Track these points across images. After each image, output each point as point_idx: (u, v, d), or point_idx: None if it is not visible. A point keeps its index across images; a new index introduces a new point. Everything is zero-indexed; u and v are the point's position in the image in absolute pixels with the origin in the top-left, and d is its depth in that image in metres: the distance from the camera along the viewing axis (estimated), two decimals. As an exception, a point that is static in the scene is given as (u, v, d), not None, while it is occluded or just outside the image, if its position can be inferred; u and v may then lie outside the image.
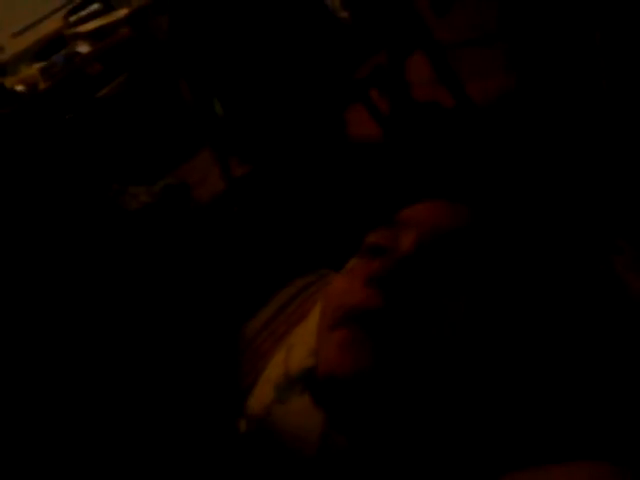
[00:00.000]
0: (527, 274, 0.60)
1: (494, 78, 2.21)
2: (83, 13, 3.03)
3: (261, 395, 0.81)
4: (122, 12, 2.94)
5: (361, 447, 0.56)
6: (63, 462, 0.98)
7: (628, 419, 0.54)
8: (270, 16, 1.94)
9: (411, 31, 2.04)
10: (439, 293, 0.55)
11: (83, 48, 2.86)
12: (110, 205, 2.28)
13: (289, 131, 2.00)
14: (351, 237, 0.67)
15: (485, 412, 0.54)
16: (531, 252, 0.62)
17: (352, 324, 0.54)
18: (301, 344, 0.83)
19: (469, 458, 0.52)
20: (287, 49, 1.93)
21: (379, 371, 0.52)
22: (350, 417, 0.56)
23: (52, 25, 3.06)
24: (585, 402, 0.54)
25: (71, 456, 0.98)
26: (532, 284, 0.59)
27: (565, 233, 0.72)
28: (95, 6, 3.05)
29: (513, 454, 0.51)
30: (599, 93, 1.85)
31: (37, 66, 2.80)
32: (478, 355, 0.54)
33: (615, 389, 0.56)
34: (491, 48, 2.31)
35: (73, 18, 3.03)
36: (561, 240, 0.69)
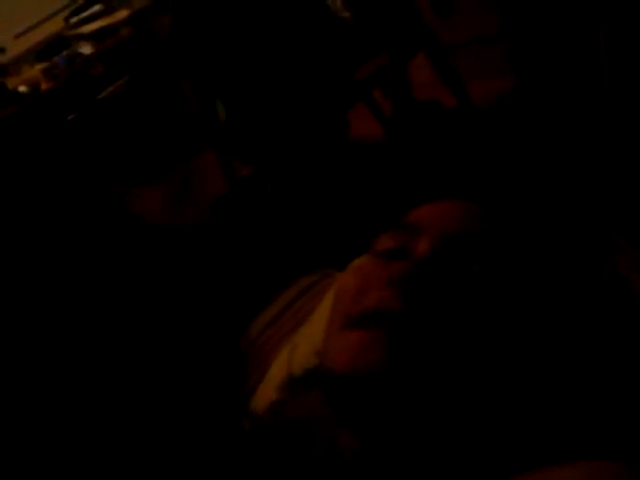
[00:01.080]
0: (536, 275, 0.60)
1: (497, 79, 2.21)
2: (84, 14, 3.03)
3: (265, 395, 0.82)
4: (123, 13, 2.95)
5: (371, 447, 0.56)
6: (63, 462, 0.98)
7: (628, 419, 0.54)
8: (272, 17, 1.94)
9: (413, 32, 2.04)
10: (458, 296, 0.54)
11: (85, 49, 2.87)
12: (112, 206, 2.28)
13: (292, 132, 2.00)
14: (354, 237, 0.67)
15: (494, 415, 0.54)
16: (537, 252, 0.63)
17: (371, 324, 0.54)
18: (305, 344, 0.83)
19: (475, 461, 0.52)
20: (289, 50, 1.93)
21: (397, 373, 0.52)
22: (364, 417, 0.56)
23: (54, 26, 3.07)
24: (586, 402, 0.55)
25: (71, 456, 0.98)
26: (540, 285, 0.59)
27: (567, 234, 0.72)
28: (96, 7, 3.05)
29: (515, 456, 0.51)
30: (601, 93, 1.85)
31: (39, 67, 2.80)
32: (493, 360, 0.54)
33: (616, 389, 0.56)
34: (493, 49, 2.31)
35: (74, 19, 3.03)
36: (564, 241, 0.70)
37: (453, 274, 0.55)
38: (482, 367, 0.53)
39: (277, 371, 0.84)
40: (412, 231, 0.60)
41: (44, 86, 2.73)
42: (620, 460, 0.45)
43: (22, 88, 2.74)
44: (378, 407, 0.54)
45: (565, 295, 0.60)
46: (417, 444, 0.54)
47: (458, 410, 0.53)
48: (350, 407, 0.56)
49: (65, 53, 2.85)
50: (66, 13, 3.07)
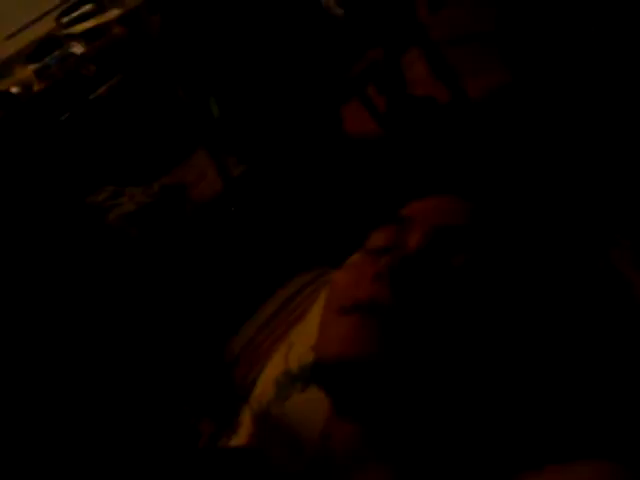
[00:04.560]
0: (529, 268, 0.60)
1: (490, 74, 2.21)
2: (75, 14, 3.02)
3: (262, 393, 0.82)
4: (115, 12, 2.93)
5: (368, 437, 0.56)
6: (61, 460, 0.98)
7: (628, 419, 0.54)
8: (264, 14, 1.94)
9: (405, 27, 2.04)
10: (445, 288, 0.55)
11: (77, 49, 2.85)
12: (103, 207, 2.27)
13: (285, 129, 2.00)
14: (349, 234, 0.67)
15: (488, 410, 0.54)
16: (531, 246, 0.63)
17: (361, 313, 0.55)
18: (301, 342, 0.83)
19: (474, 458, 0.52)
20: (282, 47, 1.93)
21: (387, 358, 0.53)
22: (356, 402, 0.57)
23: (45, 27, 3.05)
24: (586, 401, 0.54)
25: (70, 455, 0.98)
26: (534, 279, 0.59)
27: (565, 228, 0.72)
28: (87, 7, 3.03)
29: (515, 455, 0.51)
30: (596, 89, 1.86)
31: (31, 67, 2.79)
32: (482, 353, 0.54)
33: (616, 388, 0.56)
34: (487, 44, 2.31)
35: (66, 19, 3.01)
36: (561, 235, 0.70)
37: (440, 265, 0.57)
38: (472, 356, 0.54)
39: (274, 368, 0.84)
40: (403, 226, 0.61)
41: (36, 87, 2.72)
42: (620, 460, 0.46)
43: (14, 89, 2.72)
44: (371, 393, 0.55)
45: (560, 289, 0.60)
46: (413, 435, 0.54)
47: (453, 400, 0.54)
48: (344, 391, 0.57)
49: (57, 53, 2.83)
50: (57, 13, 3.05)
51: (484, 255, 0.57)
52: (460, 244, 0.58)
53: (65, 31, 2.96)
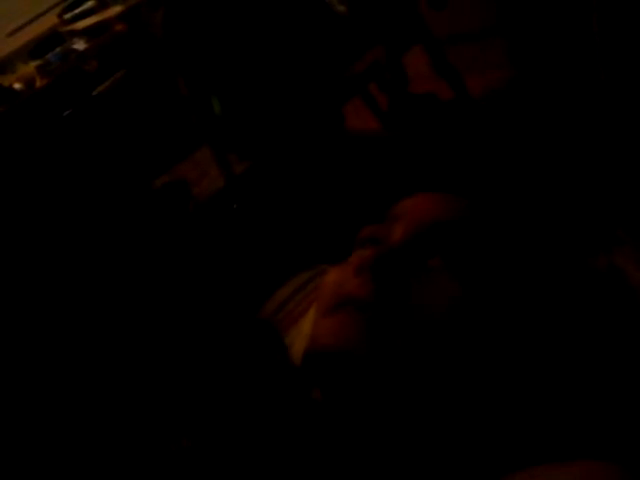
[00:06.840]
0: (522, 265, 0.60)
1: (493, 72, 2.21)
2: (78, 10, 3.02)
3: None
4: (117, 8, 2.93)
5: (359, 433, 0.56)
6: (63, 460, 0.98)
7: (628, 419, 0.54)
8: (266, 10, 1.93)
9: (408, 25, 2.04)
10: (428, 282, 0.56)
11: (79, 45, 2.86)
12: (111, 203, 2.28)
13: (287, 126, 2.00)
14: (351, 232, 0.67)
15: (478, 406, 0.54)
16: (527, 243, 0.63)
17: (344, 309, 0.56)
18: (301, 341, 0.83)
19: (466, 458, 0.52)
20: (284, 44, 1.93)
21: (368, 352, 0.54)
22: (342, 398, 0.57)
23: (47, 23, 3.05)
24: (585, 401, 0.54)
25: (72, 454, 0.98)
26: (527, 275, 0.59)
27: (564, 224, 0.72)
28: (90, 3, 3.03)
29: (512, 453, 0.51)
30: (598, 86, 1.85)
31: (34, 64, 2.79)
32: (470, 346, 0.54)
33: (615, 387, 0.55)
34: (489, 42, 2.31)
35: (68, 15, 3.01)
36: (560, 231, 0.69)
37: (425, 259, 0.57)
38: (453, 351, 0.54)
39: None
40: (391, 222, 0.61)
41: (39, 83, 2.72)
42: (619, 460, 0.45)
43: (17, 85, 2.73)
44: (356, 387, 0.55)
45: (555, 286, 0.60)
46: (401, 431, 0.54)
47: (438, 396, 0.54)
48: (328, 386, 0.57)
49: (59, 49, 2.84)
50: (59, 9, 3.06)
51: (468, 251, 0.58)
52: (445, 237, 0.58)
53: (67, 27, 2.97)
